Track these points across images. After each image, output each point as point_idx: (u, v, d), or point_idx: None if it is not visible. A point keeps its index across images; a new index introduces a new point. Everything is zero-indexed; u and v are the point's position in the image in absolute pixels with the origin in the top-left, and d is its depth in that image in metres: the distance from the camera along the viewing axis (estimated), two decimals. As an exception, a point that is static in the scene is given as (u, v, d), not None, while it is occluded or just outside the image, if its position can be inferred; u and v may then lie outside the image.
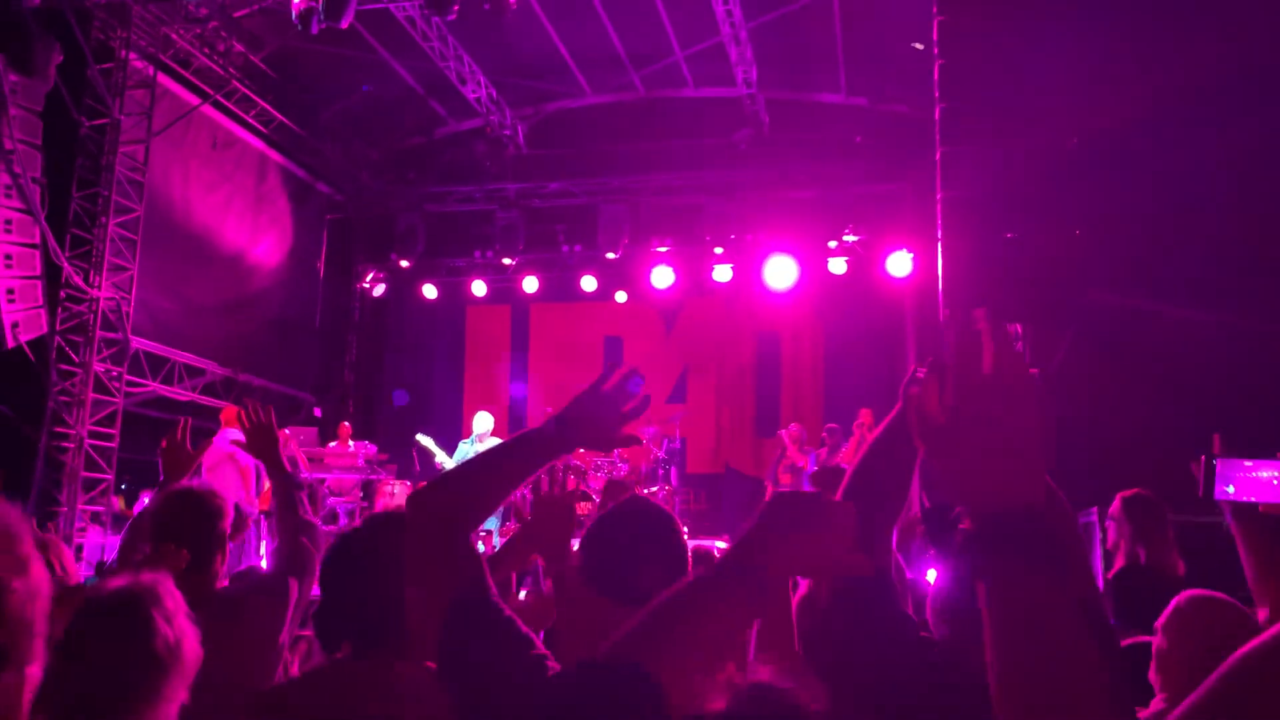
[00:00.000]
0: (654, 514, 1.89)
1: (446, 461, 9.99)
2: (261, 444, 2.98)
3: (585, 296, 13.22)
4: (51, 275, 8.87)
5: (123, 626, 1.81)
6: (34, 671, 0.94)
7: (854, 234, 11.96)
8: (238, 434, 9.20)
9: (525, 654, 1.58)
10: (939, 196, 7.23)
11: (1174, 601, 2.35)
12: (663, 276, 12.78)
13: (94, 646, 1.77)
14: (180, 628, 1.87)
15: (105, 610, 1.82)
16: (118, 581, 1.90)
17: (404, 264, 13.43)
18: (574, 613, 2.14)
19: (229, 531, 2.76)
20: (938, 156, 7.29)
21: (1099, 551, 7.53)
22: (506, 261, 13.25)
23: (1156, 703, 2.25)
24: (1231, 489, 2.09)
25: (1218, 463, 2.10)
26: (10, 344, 8.39)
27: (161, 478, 3.12)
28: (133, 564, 2.83)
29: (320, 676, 2.18)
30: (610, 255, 12.85)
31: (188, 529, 2.67)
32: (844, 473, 2.32)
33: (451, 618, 1.57)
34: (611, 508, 1.94)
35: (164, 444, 3.15)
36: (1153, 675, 2.30)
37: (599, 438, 1.72)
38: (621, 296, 13.27)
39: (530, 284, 13.29)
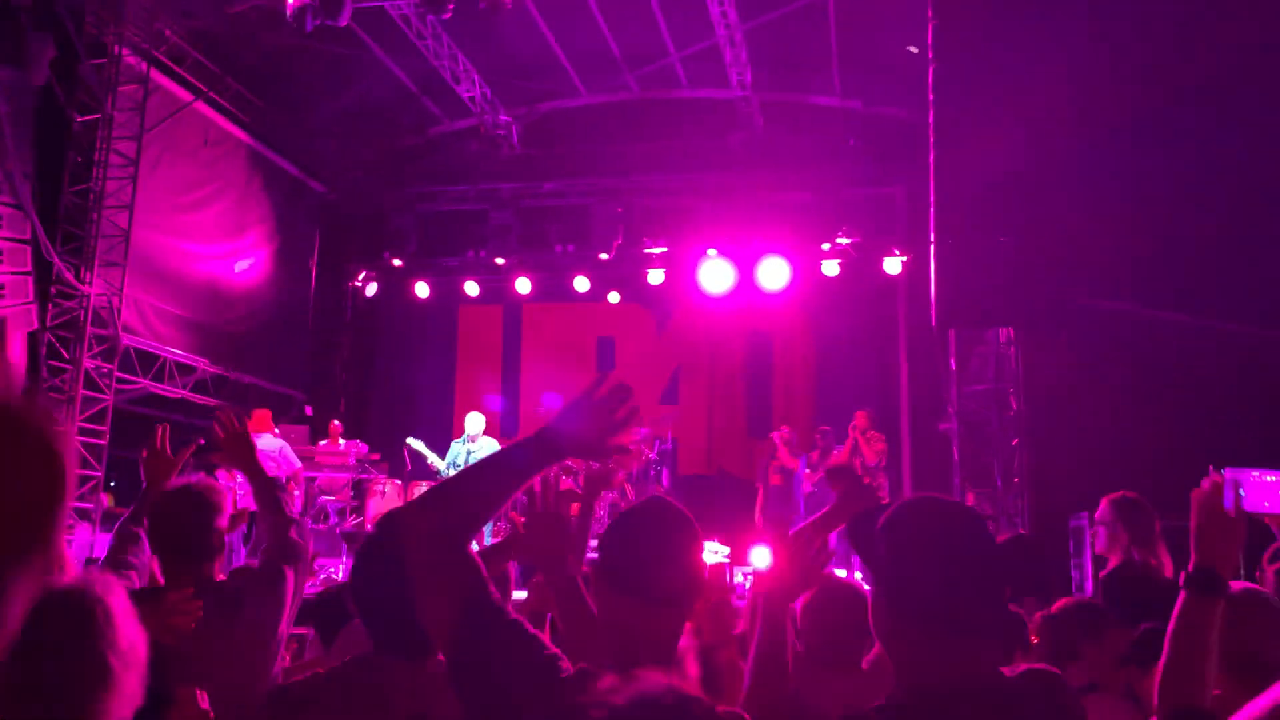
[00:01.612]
0: (673, 512, 1.89)
1: (438, 463, 9.98)
2: (237, 452, 2.99)
3: (578, 297, 13.20)
4: (42, 271, 8.84)
5: (73, 627, 1.76)
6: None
7: (847, 236, 11.97)
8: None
9: (537, 656, 1.59)
10: (932, 200, 7.25)
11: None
12: (655, 277, 12.78)
13: (43, 645, 1.73)
14: (128, 632, 1.85)
15: (56, 608, 1.79)
16: (68, 581, 1.88)
17: (396, 263, 13.41)
18: (581, 611, 2.16)
19: (226, 526, 2.76)
20: (931, 160, 7.31)
21: (1089, 555, 7.57)
22: (499, 261, 13.23)
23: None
24: (1242, 493, 2.08)
25: (1226, 472, 2.08)
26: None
27: (144, 484, 3.12)
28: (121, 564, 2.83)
29: (347, 671, 2.19)
30: (603, 256, 12.84)
31: (186, 524, 2.68)
32: (852, 470, 2.32)
33: (457, 627, 1.59)
34: (631, 507, 1.95)
35: (144, 452, 3.16)
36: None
37: (589, 447, 1.72)
38: (614, 297, 13.26)
39: (523, 284, 13.28)
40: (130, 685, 1.73)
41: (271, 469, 8.82)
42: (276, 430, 10.02)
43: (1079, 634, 2.97)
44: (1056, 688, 1.71)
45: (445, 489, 1.73)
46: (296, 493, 9.62)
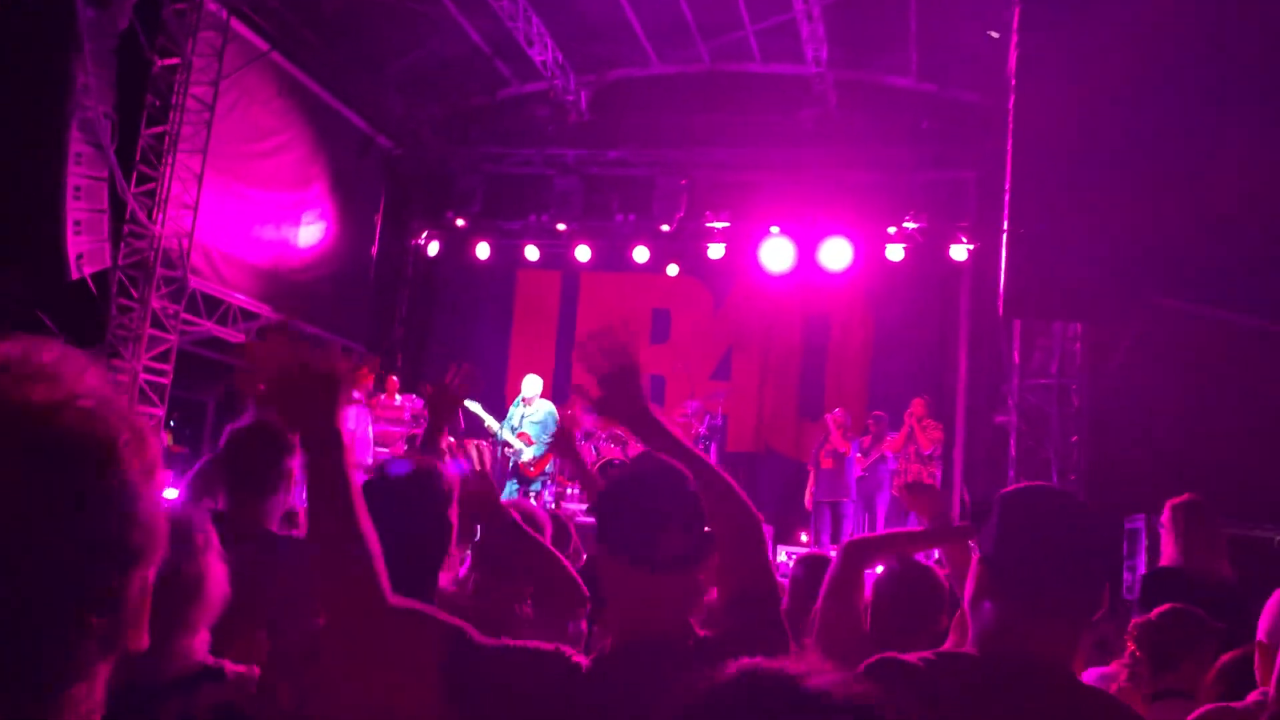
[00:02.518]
0: (667, 472, 1.84)
1: (495, 426, 10.04)
2: (444, 406, 3.03)
3: (636, 267, 13.17)
4: (116, 211, 9.01)
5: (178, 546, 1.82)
6: (151, 574, 0.95)
7: (914, 221, 11.80)
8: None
9: (544, 666, 1.61)
10: (1008, 186, 7.12)
11: (1275, 598, 2.33)
12: (716, 251, 12.72)
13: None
14: (207, 563, 1.90)
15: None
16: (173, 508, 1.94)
17: (460, 223, 13.47)
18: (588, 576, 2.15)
19: (291, 469, 2.79)
20: (1009, 145, 7.17)
21: (1143, 557, 7.45)
22: (560, 227, 13.24)
23: (1254, 695, 2.25)
24: None
25: None
26: (74, 275, 8.54)
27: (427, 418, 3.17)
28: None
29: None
30: (664, 227, 12.80)
31: (257, 460, 2.72)
32: (934, 490, 2.31)
33: (445, 680, 1.60)
34: (622, 471, 1.91)
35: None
36: (1257, 671, 2.29)
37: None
38: (673, 270, 13.22)
39: (583, 252, 13.27)
40: (214, 598, 1.79)
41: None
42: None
43: (1180, 644, 2.95)
44: (1123, 712, 1.70)
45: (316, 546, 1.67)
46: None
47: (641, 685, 1.64)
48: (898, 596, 2.84)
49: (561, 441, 3.47)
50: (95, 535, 0.87)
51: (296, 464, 2.78)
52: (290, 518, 3.03)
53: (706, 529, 1.81)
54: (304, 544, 2.73)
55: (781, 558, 9.49)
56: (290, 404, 1.64)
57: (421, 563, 2.19)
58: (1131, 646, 3.00)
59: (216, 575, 1.95)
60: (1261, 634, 2.31)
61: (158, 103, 9.52)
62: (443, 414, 2.94)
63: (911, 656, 1.72)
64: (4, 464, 0.82)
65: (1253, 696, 2.27)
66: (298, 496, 3.48)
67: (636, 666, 1.65)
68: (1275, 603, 2.32)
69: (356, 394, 2.98)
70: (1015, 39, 7.41)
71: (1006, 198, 7.11)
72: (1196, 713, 2.31)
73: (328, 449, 1.60)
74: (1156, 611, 3.06)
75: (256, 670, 1.83)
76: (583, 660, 1.70)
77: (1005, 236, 7.03)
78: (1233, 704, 2.32)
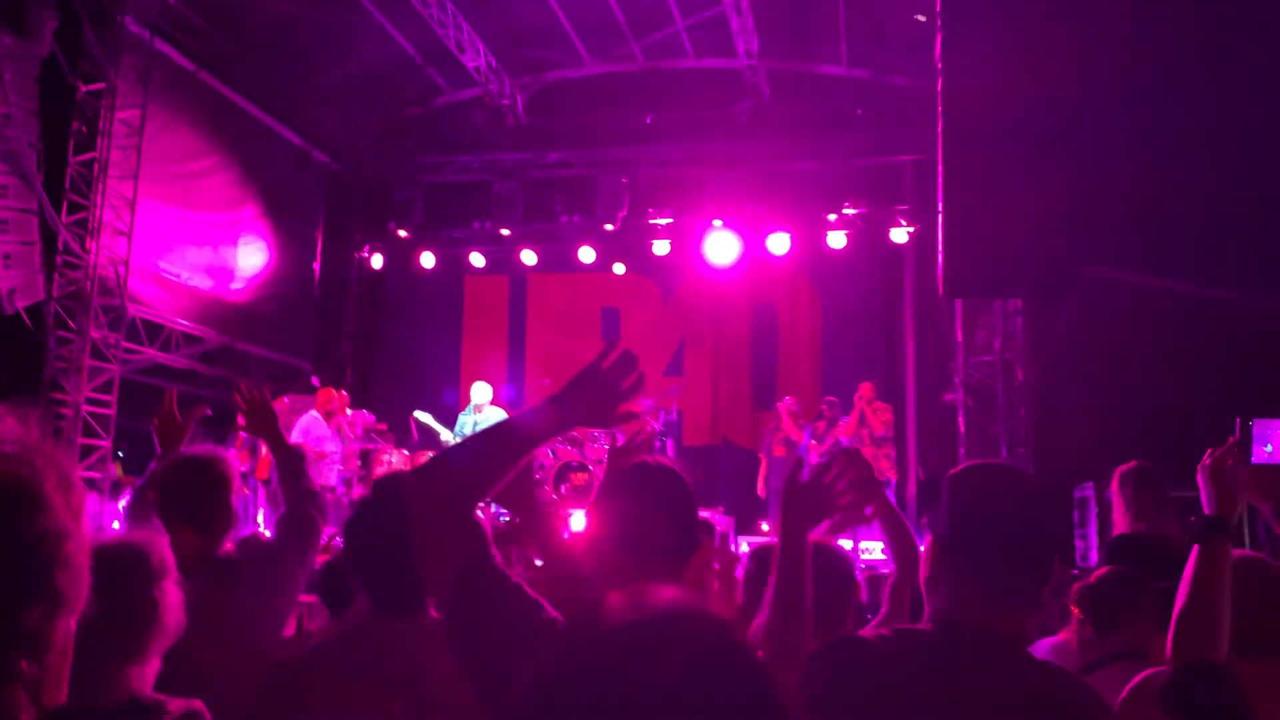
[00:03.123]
0: (664, 473, 1.94)
1: (447, 436, 9.99)
2: (259, 422, 3.02)
3: (583, 268, 13.17)
4: (48, 242, 8.84)
5: (111, 582, 1.80)
6: (70, 624, 0.95)
7: (854, 207, 11.92)
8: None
9: (535, 616, 1.61)
10: (940, 169, 7.21)
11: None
12: (660, 248, 12.75)
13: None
14: (163, 590, 1.89)
15: (112, 557, 1.83)
16: (112, 539, 1.92)
17: (402, 234, 13.38)
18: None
19: (233, 497, 2.77)
20: (939, 129, 7.27)
21: (1094, 525, 7.58)
22: (504, 232, 13.20)
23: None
24: (1270, 448, 2.17)
25: (1254, 423, 2.20)
26: (8, 310, 8.37)
27: (158, 451, 3.14)
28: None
29: (345, 637, 2.21)
30: (608, 227, 12.81)
31: (193, 493, 2.68)
32: (863, 459, 2.35)
33: (458, 587, 1.61)
34: (620, 472, 1.97)
35: (155, 419, 3.19)
36: None
37: (598, 415, 1.75)
38: (619, 268, 13.24)
39: (528, 256, 13.25)
40: (170, 625, 1.78)
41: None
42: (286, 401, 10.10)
43: (1120, 604, 3.00)
44: (1078, 688, 1.74)
45: (451, 455, 1.76)
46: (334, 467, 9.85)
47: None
48: (815, 579, 2.88)
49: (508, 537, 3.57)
50: (19, 578, 0.88)
51: (233, 491, 2.76)
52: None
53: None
54: (246, 566, 2.72)
55: (744, 548, 9.55)
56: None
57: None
58: (1075, 611, 3.06)
59: (172, 602, 1.93)
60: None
61: (84, 129, 9.34)
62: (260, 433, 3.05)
63: (868, 633, 1.76)
64: None
65: None
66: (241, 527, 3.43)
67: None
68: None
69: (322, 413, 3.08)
70: (939, 21, 7.51)
71: (940, 180, 7.21)
72: (1139, 676, 2.36)
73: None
74: (1095, 575, 3.13)
75: (200, 705, 1.81)
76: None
77: (940, 218, 7.12)
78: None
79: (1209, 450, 2.17)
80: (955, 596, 1.73)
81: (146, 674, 1.88)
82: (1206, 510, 2.14)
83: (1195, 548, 2.08)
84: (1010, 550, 1.72)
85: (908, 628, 1.77)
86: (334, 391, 10.25)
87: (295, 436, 9.80)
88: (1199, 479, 2.15)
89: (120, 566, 1.83)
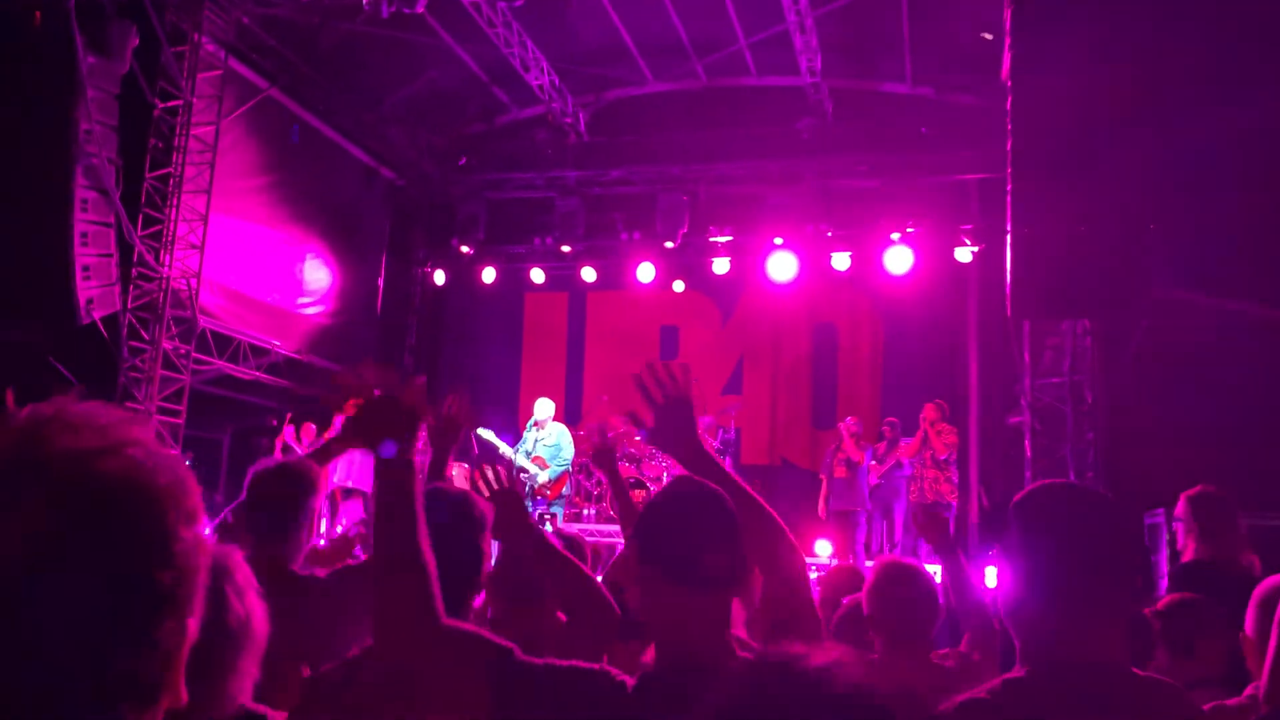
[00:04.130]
0: (706, 493, 1.86)
1: (509, 452, 10.03)
2: (445, 436, 2.99)
3: (642, 285, 13.19)
4: (124, 254, 9.08)
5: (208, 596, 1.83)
6: (193, 624, 0.96)
7: (917, 225, 11.81)
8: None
9: (588, 686, 1.61)
10: (1009, 188, 7.11)
11: (1257, 591, 2.31)
12: (720, 266, 12.73)
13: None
14: (250, 604, 1.91)
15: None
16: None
17: (465, 250, 13.52)
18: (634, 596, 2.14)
19: (315, 509, 2.79)
20: (1008, 147, 7.17)
21: (1165, 552, 7.40)
22: (565, 249, 13.28)
23: (1249, 690, 2.22)
24: None
25: None
26: (84, 320, 8.60)
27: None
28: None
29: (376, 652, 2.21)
30: (668, 244, 12.82)
31: (279, 501, 2.72)
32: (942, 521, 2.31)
33: (495, 699, 1.62)
34: (660, 493, 1.92)
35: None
36: (1251, 665, 2.27)
37: (394, 434, 1.74)
38: (679, 286, 13.25)
39: (588, 273, 13.31)
40: (261, 637, 1.80)
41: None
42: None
43: (1194, 630, 2.93)
44: (1185, 701, 1.69)
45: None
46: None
47: (687, 705, 1.65)
48: (892, 597, 2.88)
49: (604, 455, 3.51)
50: (128, 575, 0.89)
51: (317, 503, 2.79)
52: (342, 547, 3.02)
53: (743, 550, 1.82)
54: (326, 583, 2.74)
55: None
56: (374, 428, 1.75)
57: (453, 590, 2.18)
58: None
59: (259, 616, 1.95)
60: (1248, 628, 2.29)
61: (160, 145, 9.60)
62: (445, 444, 2.94)
63: (980, 692, 1.69)
64: (48, 504, 0.85)
65: (1247, 691, 2.25)
66: (315, 535, 3.45)
67: (681, 686, 1.67)
68: (1257, 597, 2.30)
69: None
70: (1008, 40, 7.42)
71: (1008, 199, 7.10)
72: (1230, 702, 2.29)
73: (402, 474, 1.72)
74: (1163, 602, 3.05)
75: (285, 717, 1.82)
76: (628, 680, 1.70)
77: (1009, 237, 7.01)
78: (1227, 701, 2.31)
79: None
80: (1049, 628, 1.67)
81: (247, 686, 1.90)
82: None
83: None
84: (1097, 569, 1.65)
85: (1013, 678, 1.70)
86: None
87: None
88: None
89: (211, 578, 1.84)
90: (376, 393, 1.80)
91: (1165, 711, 1.64)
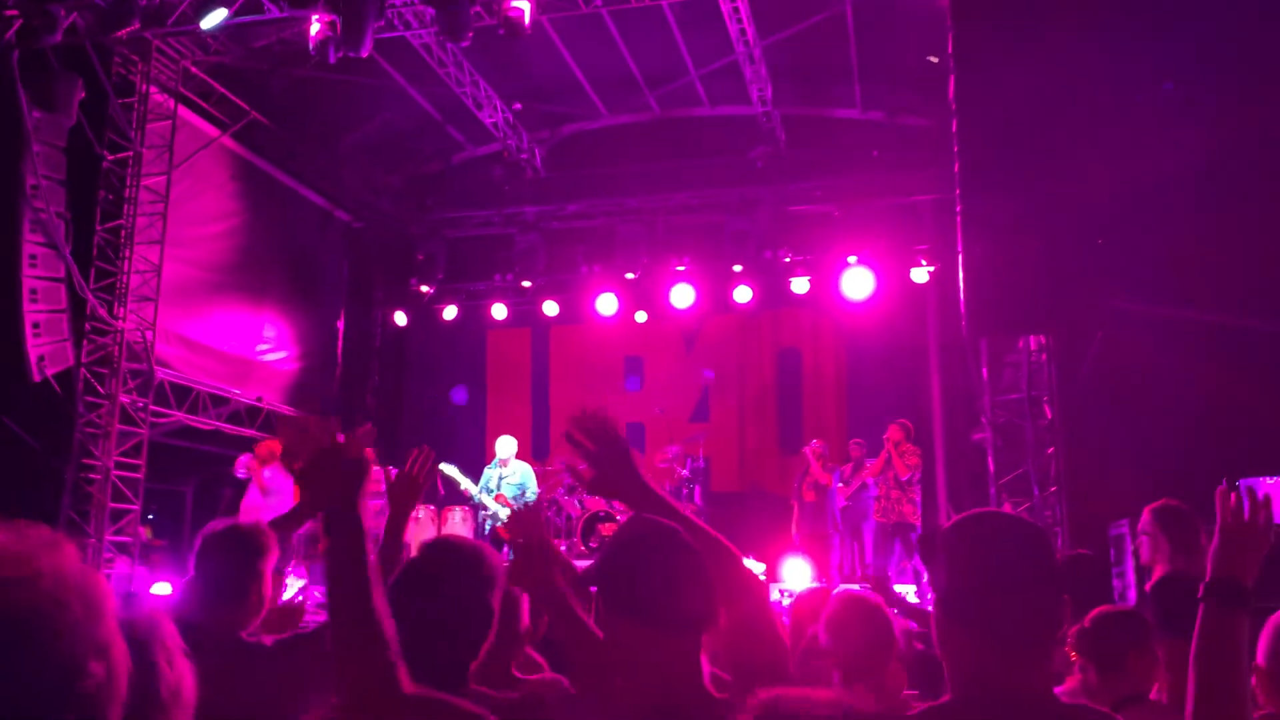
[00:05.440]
0: (666, 531, 1.83)
1: (472, 489, 9.96)
2: (405, 496, 2.81)
3: (605, 317, 13.21)
4: (76, 308, 8.96)
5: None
6: None
7: (873, 248, 11.92)
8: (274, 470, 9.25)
9: None
10: (959, 208, 7.19)
11: (1272, 621, 2.29)
12: (682, 295, 12.77)
13: None
14: (180, 669, 1.86)
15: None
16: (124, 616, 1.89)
17: (425, 289, 13.48)
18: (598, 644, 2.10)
19: (271, 570, 2.73)
20: (956, 168, 7.26)
21: (1130, 564, 7.44)
22: (526, 284, 13.27)
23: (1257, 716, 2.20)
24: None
25: (1259, 481, 2.06)
26: (37, 378, 8.47)
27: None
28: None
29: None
30: (629, 275, 12.85)
31: (227, 565, 2.66)
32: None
33: None
34: (619, 532, 1.90)
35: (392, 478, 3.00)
36: (1258, 691, 2.24)
37: (337, 495, 1.70)
38: (641, 316, 13.26)
39: (550, 307, 13.31)
40: (188, 702, 1.75)
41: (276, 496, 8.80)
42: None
43: (1125, 645, 2.91)
44: None
45: (330, 625, 1.69)
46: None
47: None
48: (847, 632, 2.87)
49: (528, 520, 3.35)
50: (32, 709, 0.87)
51: (269, 566, 2.73)
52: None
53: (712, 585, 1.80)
54: (273, 651, 2.68)
55: (774, 596, 9.43)
56: (317, 485, 1.70)
57: (454, 650, 2.09)
58: (1074, 656, 2.97)
59: (188, 683, 1.89)
60: (1260, 659, 2.27)
61: (111, 197, 9.52)
62: (405, 504, 2.81)
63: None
64: None
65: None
66: (278, 597, 3.37)
67: None
68: (1271, 626, 2.29)
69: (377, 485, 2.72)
70: (953, 62, 7.53)
71: (959, 218, 7.18)
72: None
73: (348, 532, 1.66)
74: (1090, 617, 3.04)
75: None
76: None
77: (961, 257, 7.08)
78: None
79: (1228, 506, 1.98)
80: (972, 658, 1.66)
81: None
82: (1220, 573, 1.93)
83: (1204, 607, 1.92)
84: (1020, 597, 1.65)
85: (935, 705, 1.69)
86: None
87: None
88: (1216, 538, 1.99)
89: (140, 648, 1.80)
90: (320, 447, 1.74)
91: None
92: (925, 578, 6.27)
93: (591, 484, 2.02)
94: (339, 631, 1.63)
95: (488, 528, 9.88)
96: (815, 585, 8.04)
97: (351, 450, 1.74)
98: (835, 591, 3.23)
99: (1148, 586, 4.22)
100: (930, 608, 1.80)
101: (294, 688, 2.55)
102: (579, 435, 2.02)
